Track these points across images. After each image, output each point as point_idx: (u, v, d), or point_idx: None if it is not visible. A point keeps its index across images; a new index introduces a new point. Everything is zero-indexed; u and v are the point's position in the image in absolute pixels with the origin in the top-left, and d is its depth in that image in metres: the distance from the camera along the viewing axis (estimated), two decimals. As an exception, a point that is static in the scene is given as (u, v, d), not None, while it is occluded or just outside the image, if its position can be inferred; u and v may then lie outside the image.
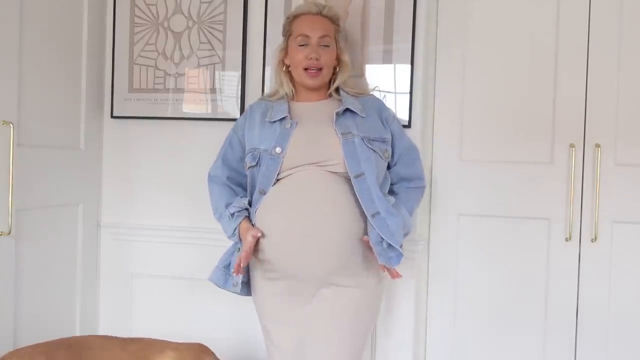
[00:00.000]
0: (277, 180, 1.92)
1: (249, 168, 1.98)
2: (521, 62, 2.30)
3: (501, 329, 2.33)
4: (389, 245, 1.86)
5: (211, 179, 2.10)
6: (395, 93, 2.26)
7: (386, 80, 2.27)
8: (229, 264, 2.02)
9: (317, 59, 1.96)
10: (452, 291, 2.37)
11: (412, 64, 2.24)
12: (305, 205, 1.87)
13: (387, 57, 2.26)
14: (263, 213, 1.92)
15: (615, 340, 2.24)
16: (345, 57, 2.05)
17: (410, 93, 2.25)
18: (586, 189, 2.23)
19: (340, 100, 2.02)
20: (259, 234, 1.89)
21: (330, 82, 2.05)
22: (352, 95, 2.04)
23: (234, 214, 1.98)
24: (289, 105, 2.00)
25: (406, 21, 2.23)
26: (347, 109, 1.97)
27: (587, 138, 2.24)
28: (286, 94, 2.04)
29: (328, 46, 1.99)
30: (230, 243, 2.06)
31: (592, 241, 2.23)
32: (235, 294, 2.03)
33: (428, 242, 2.38)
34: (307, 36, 1.97)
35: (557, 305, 2.28)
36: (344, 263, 1.87)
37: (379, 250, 1.86)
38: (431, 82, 2.36)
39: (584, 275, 2.25)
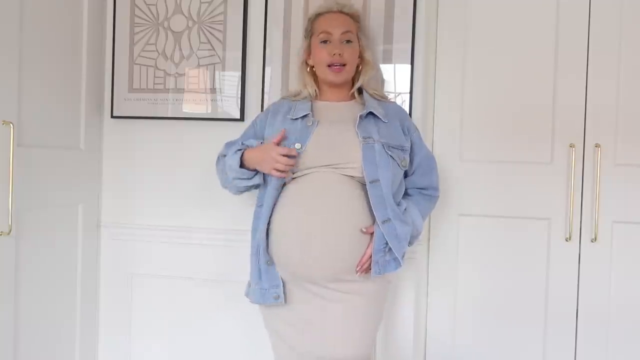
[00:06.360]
0: (292, 179, 1.92)
1: None
2: (521, 62, 2.30)
3: (501, 329, 2.34)
4: (390, 250, 1.86)
5: (218, 160, 2.10)
6: (395, 93, 2.26)
7: (386, 81, 2.26)
8: (260, 276, 1.94)
9: (340, 54, 1.96)
10: (452, 291, 2.37)
11: (412, 64, 2.24)
12: (316, 206, 1.86)
13: (387, 57, 2.26)
14: (276, 211, 1.92)
15: (615, 340, 2.25)
16: (368, 55, 2.05)
17: (410, 93, 2.25)
18: (586, 189, 2.24)
19: (362, 103, 2.02)
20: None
21: (353, 81, 2.05)
22: (375, 99, 2.03)
23: (238, 150, 1.97)
24: (312, 104, 2.01)
25: (406, 21, 2.24)
26: (370, 113, 1.96)
27: (587, 138, 2.24)
28: (309, 95, 2.04)
29: (351, 41, 1.99)
30: (249, 252, 2.01)
31: (592, 241, 2.23)
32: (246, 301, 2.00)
33: (428, 242, 2.39)
34: (329, 33, 1.97)
35: (557, 305, 2.28)
36: (349, 266, 1.87)
37: (377, 258, 1.85)
38: (431, 82, 2.36)
39: (584, 275, 2.26)
